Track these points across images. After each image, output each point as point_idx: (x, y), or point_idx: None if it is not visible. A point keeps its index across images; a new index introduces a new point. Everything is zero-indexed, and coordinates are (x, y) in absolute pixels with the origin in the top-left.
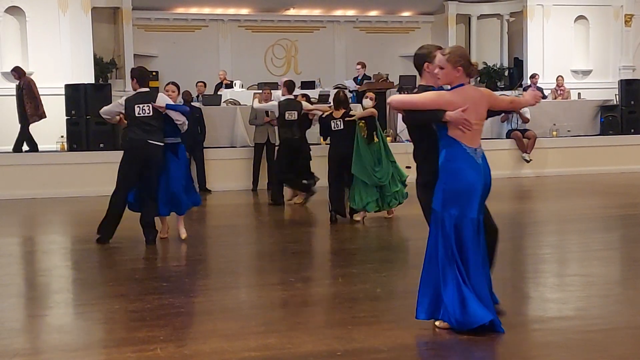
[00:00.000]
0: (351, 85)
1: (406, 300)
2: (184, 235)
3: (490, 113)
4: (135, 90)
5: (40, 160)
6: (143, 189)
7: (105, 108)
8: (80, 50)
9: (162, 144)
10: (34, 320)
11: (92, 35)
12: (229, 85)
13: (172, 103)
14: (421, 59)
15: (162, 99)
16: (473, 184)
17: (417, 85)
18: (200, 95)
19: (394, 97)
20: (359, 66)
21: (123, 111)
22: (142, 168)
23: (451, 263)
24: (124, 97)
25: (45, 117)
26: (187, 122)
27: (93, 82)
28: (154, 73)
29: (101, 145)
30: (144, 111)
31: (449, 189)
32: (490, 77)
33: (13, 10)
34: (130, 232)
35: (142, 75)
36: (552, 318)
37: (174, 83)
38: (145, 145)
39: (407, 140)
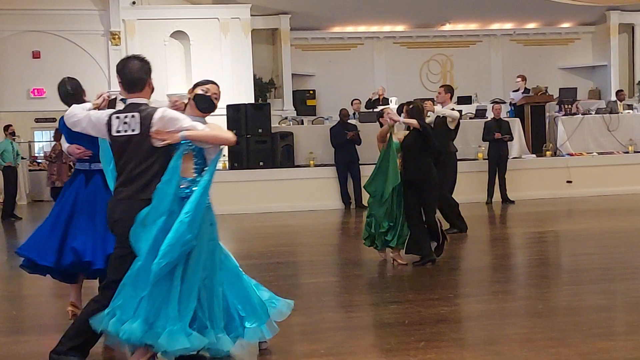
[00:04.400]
0: (516, 97)
1: (569, 317)
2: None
3: None
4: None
5: None
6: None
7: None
8: (240, 71)
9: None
10: None
11: (251, 56)
12: (385, 102)
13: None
14: None
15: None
16: None
17: None
18: (356, 113)
19: None
20: (519, 79)
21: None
22: None
23: None
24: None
25: None
26: None
27: (253, 102)
28: (311, 92)
29: (261, 163)
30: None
31: None
32: None
33: (178, 34)
34: (289, 248)
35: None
36: None
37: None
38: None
39: (568, 154)
